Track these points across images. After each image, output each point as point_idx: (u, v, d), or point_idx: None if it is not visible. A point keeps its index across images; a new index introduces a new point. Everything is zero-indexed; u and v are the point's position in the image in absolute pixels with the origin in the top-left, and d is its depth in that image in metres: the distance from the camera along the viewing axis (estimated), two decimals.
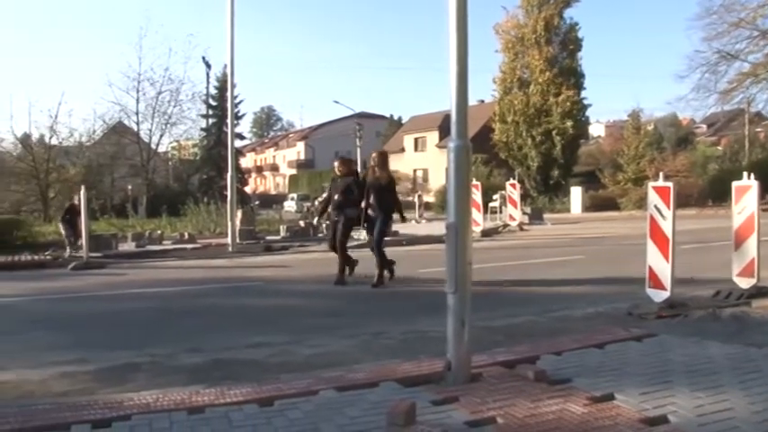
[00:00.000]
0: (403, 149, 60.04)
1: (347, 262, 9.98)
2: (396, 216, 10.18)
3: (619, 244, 15.42)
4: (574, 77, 40.28)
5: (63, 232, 15.78)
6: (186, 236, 18.26)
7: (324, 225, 15.37)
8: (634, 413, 3.52)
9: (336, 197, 9.88)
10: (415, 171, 55.95)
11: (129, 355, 5.65)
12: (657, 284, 6.77)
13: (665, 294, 6.70)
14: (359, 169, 13.38)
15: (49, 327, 7.20)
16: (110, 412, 3.77)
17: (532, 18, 39.76)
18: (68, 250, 14.98)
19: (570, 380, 4.17)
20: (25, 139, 36.31)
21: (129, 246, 16.77)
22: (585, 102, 41.09)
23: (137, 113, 42.08)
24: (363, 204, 9.69)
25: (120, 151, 40.81)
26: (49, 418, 3.70)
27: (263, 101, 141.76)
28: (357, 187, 9.77)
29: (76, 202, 15.34)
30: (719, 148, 51.64)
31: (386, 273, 9.69)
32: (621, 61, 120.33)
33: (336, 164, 10.35)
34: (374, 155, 10.16)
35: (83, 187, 13.92)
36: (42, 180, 34.93)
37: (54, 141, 36.71)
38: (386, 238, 9.99)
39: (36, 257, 14.21)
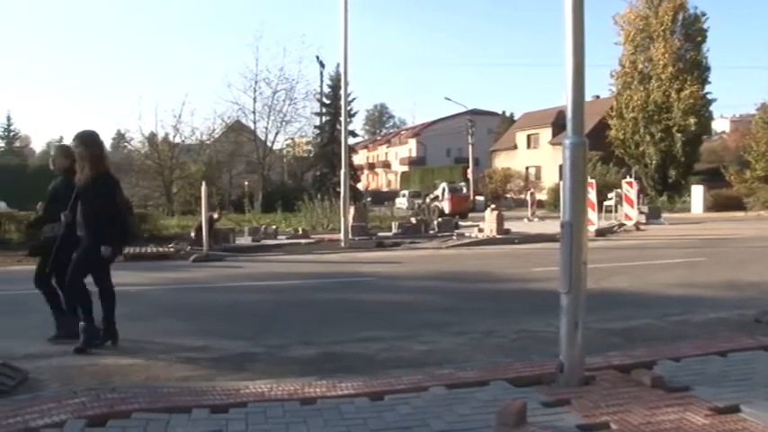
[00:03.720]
0: (515, 146, 59.19)
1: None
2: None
3: (745, 246, 14.55)
4: (698, 71, 38.26)
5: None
6: (300, 231, 18.81)
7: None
8: (763, 429, 3.31)
9: (38, 206, 6.46)
10: (527, 168, 54.93)
11: (246, 345, 5.90)
12: None
13: None
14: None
15: (174, 315, 7.60)
16: (227, 398, 3.95)
17: (661, 9, 37.96)
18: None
19: (690, 388, 3.98)
20: (152, 138, 38.49)
21: (245, 240, 17.41)
22: (710, 96, 39.06)
23: (254, 112, 43.55)
24: (64, 220, 5.90)
25: (238, 149, 42.42)
26: (173, 400, 3.92)
27: (375, 98, 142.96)
28: (68, 192, 5.90)
29: (215, 215, 16.17)
30: None
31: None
32: (749, 51, 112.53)
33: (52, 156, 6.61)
34: (74, 141, 5.94)
35: (203, 183, 14.58)
36: (167, 176, 36.90)
37: (177, 140, 38.72)
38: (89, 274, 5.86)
39: (161, 249, 15.00)
